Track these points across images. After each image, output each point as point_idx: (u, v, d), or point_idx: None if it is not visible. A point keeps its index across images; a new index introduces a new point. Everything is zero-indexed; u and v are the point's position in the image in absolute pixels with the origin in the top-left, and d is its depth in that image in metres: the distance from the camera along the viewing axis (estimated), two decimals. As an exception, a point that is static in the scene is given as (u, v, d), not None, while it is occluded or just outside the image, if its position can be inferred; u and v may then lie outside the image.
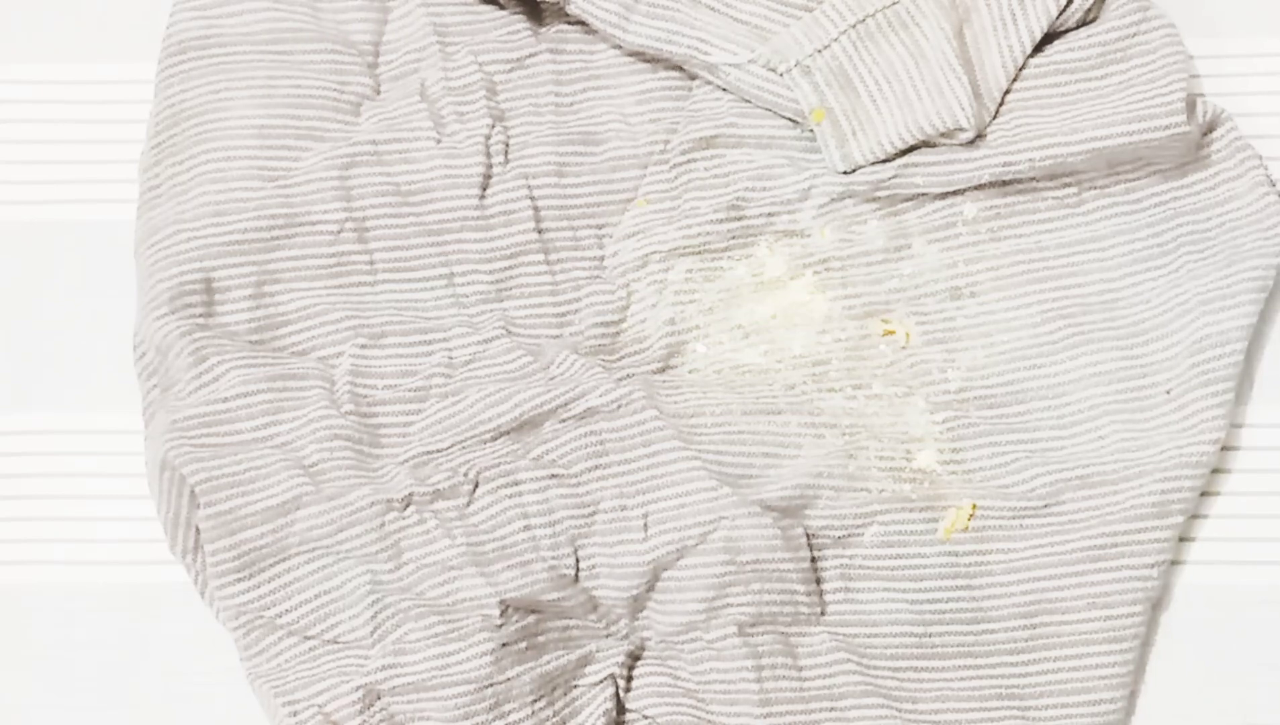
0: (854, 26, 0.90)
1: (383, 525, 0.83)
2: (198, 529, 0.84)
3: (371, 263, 0.89)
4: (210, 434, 0.85)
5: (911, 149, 0.89)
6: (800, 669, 0.83)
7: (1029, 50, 0.90)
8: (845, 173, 0.90)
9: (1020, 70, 0.90)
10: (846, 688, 0.83)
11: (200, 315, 0.87)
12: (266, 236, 0.88)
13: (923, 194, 0.90)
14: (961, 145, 0.89)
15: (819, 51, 0.89)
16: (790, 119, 0.91)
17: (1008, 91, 0.90)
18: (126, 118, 0.93)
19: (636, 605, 0.84)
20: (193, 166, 0.90)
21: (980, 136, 0.89)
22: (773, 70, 0.89)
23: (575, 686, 0.83)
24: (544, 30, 0.94)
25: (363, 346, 0.87)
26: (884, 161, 0.89)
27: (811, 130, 0.90)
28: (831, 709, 0.83)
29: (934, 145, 0.89)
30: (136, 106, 0.92)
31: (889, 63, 0.89)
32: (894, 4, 0.90)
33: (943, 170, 0.89)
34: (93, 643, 0.86)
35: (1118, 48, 0.90)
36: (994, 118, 0.90)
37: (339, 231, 0.89)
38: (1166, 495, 0.84)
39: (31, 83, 0.94)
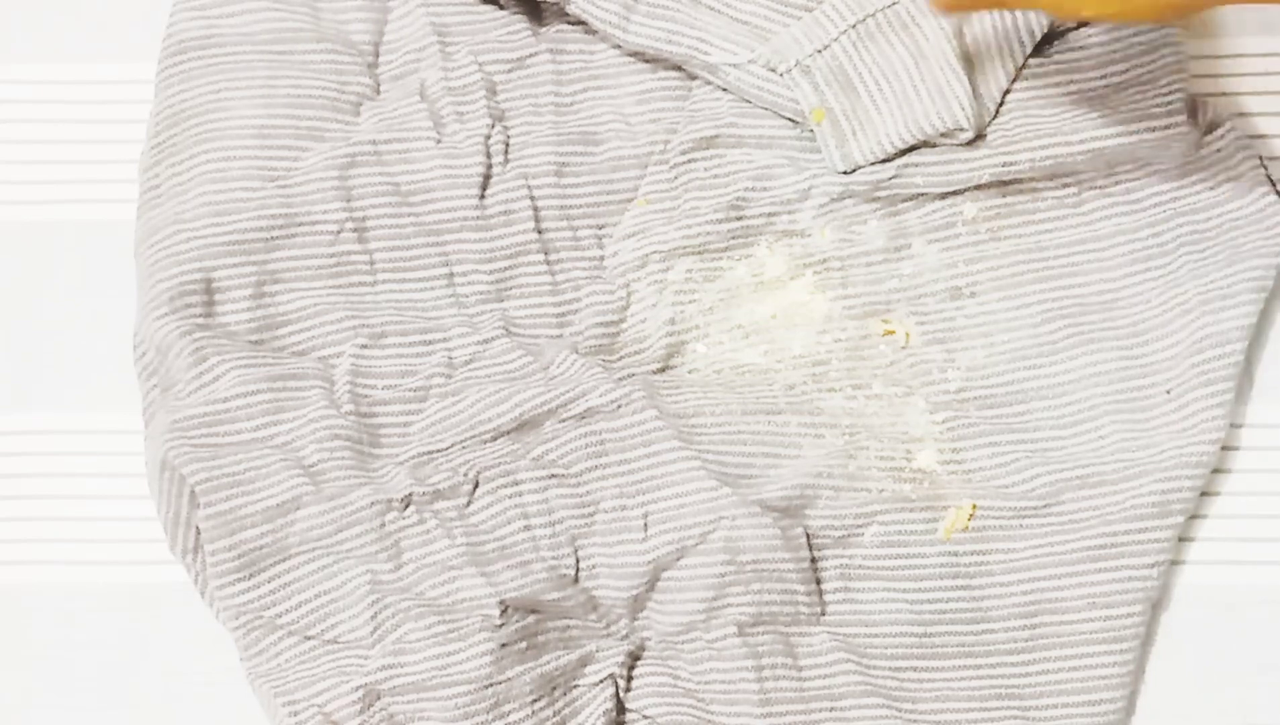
0: (854, 26, 0.90)
1: (383, 525, 0.83)
2: (198, 529, 0.84)
3: (371, 263, 0.89)
4: (210, 434, 0.85)
5: (911, 149, 0.89)
6: (800, 669, 0.83)
7: (1029, 50, 0.90)
8: (845, 173, 0.89)
9: (1020, 70, 0.90)
10: (846, 688, 0.83)
11: (200, 315, 0.87)
12: (266, 236, 0.88)
13: (923, 194, 0.90)
14: (961, 145, 0.89)
15: (819, 51, 0.89)
16: (790, 119, 0.91)
17: (1008, 91, 0.90)
18: (126, 118, 0.92)
19: (636, 605, 0.84)
20: (193, 166, 0.90)
21: (980, 137, 0.89)
22: (773, 70, 0.89)
23: (575, 686, 0.83)
24: (544, 30, 0.94)
25: (363, 346, 0.87)
26: (884, 161, 0.89)
27: (811, 130, 0.90)
28: (831, 709, 0.83)
29: (934, 145, 0.89)
30: (136, 106, 0.92)
31: (889, 63, 0.89)
32: (894, 4, 0.90)
33: (943, 170, 0.89)
34: (93, 643, 0.86)
35: (1117, 48, 0.90)
36: (994, 118, 0.89)
37: (339, 231, 0.89)
38: (1166, 495, 0.84)
39: (31, 83, 0.94)
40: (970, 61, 0.89)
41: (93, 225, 0.91)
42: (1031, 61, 0.90)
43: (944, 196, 0.90)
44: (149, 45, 0.92)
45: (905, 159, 0.89)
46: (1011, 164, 0.88)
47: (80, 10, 0.95)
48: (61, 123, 0.93)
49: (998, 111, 0.90)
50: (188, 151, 0.90)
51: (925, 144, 0.89)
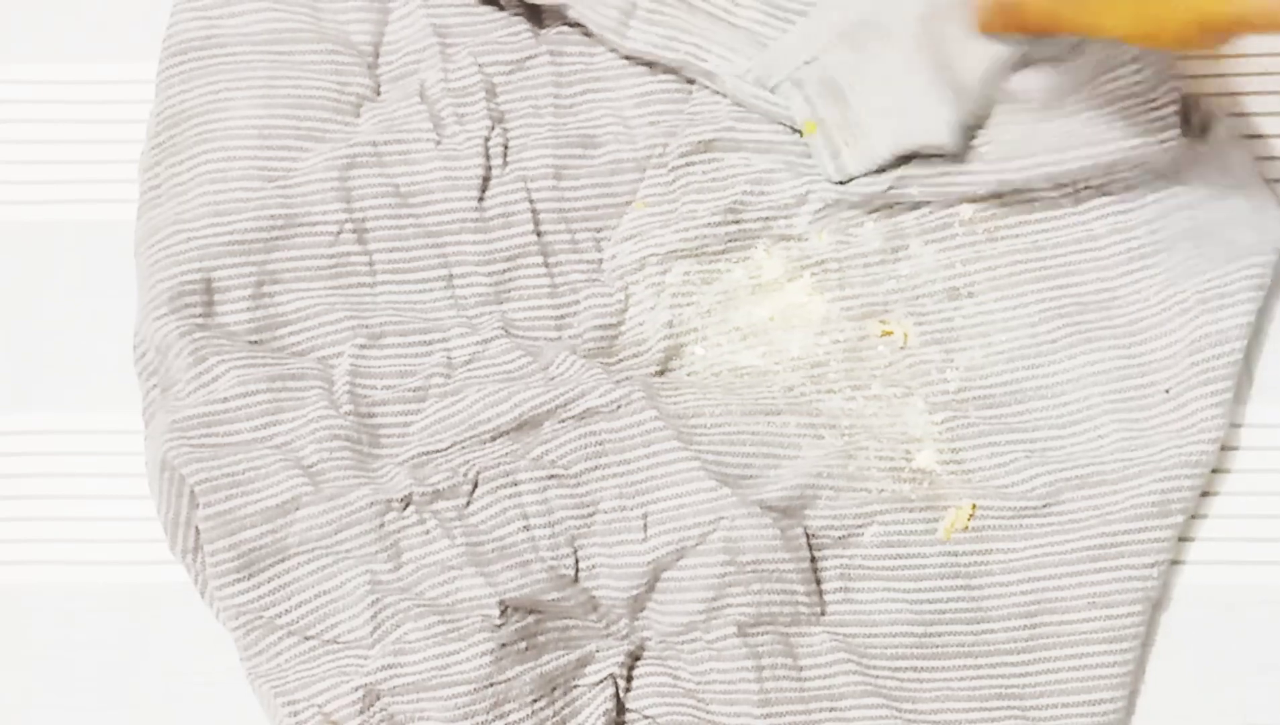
0: (844, 36, 0.90)
1: (382, 525, 0.83)
2: (198, 529, 0.84)
3: (371, 264, 0.89)
4: (210, 434, 0.85)
5: (906, 159, 0.89)
6: (800, 669, 0.83)
7: (1013, 63, 0.89)
8: (840, 183, 0.90)
9: (1005, 84, 0.90)
10: (846, 688, 0.83)
11: (200, 315, 0.87)
12: (266, 237, 0.88)
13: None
14: (956, 159, 0.89)
15: (808, 64, 0.89)
16: (787, 125, 0.91)
17: (1001, 105, 0.90)
18: (126, 118, 0.92)
19: (636, 605, 0.84)
20: (193, 167, 0.89)
21: (973, 150, 0.89)
22: (764, 86, 0.89)
23: (575, 686, 0.83)
24: (544, 32, 0.94)
25: (361, 347, 0.87)
26: (879, 172, 0.89)
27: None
28: (831, 709, 0.83)
29: (928, 157, 0.89)
30: (136, 106, 0.92)
31: (879, 73, 0.89)
32: (882, 13, 0.90)
33: (938, 182, 0.89)
34: (93, 643, 0.86)
35: (1107, 57, 0.90)
36: (982, 130, 0.89)
37: (338, 232, 0.89)
38: (1166, 495, 0.84)
39: (31, 83, 0.93)
40: (955, 74, 0.89)
41: (93, 225, 0.91)
42: (1025, 73, 0.90)
43: None
44: (149, 45, 0.92)
45: (900, 171, 0.89)
46: (1007, 181, 0.88)
47: (80, 10, 0.94)
48: (61, 123, 0.93)
49: (989, 124, 0.89)
50: (188, 152, 0.90)
51: (919, 155, 0.89)
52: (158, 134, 0.91)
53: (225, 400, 0.85)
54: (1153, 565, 0.83)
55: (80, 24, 0.94)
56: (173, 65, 0.92)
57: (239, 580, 0.83)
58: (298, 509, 0.83)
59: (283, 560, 0.83)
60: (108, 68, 0.94)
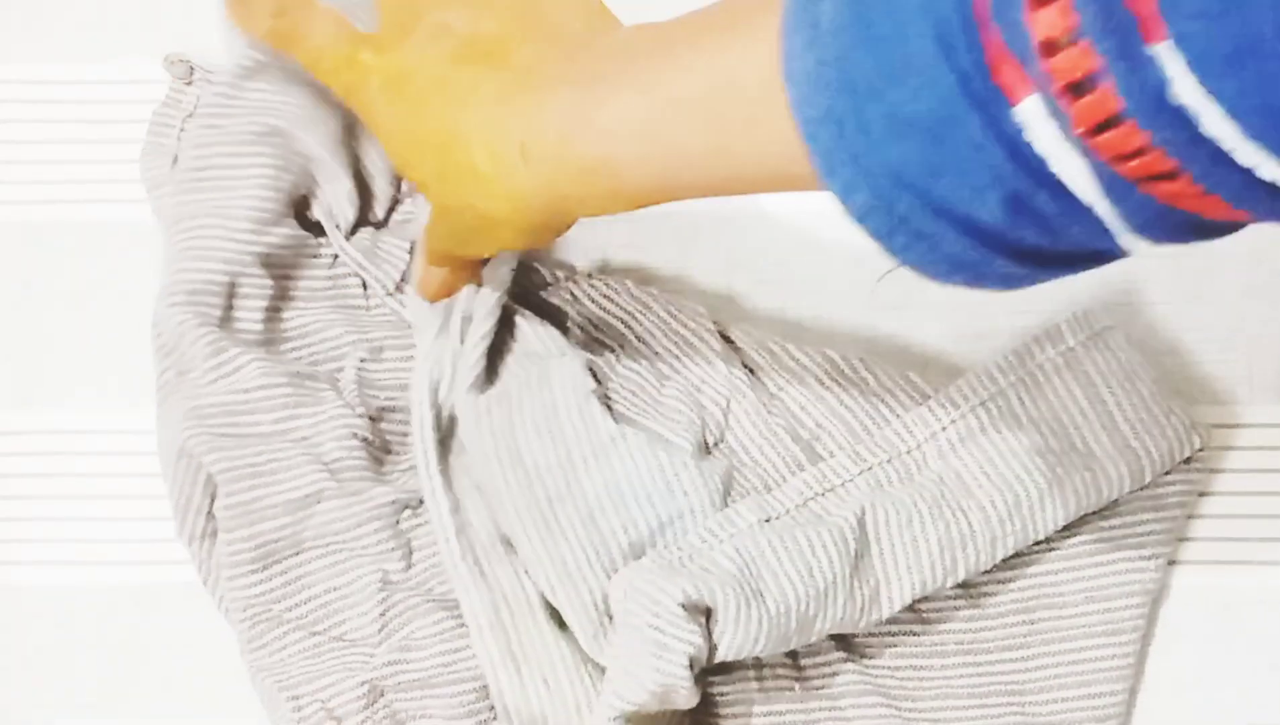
0: None
1: (397, 523, 0.83)
2: (208, 515, 0.83)
3: (365, 286, 0.89)
4: (232, 424, 0.83)
5: None
6: (800, 669, 0.84)
7: None
8: None
9: None
10: (845, 687, 0.83)
11: (218, 316, 0.85)
12: (290, 256, 0.87)
13: None
14: None
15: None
16: None
17: None
18: (126, 118, 0.91)
19: (638, 605, 0.84)
20: (248, 166, 0.86)
21: None
22: None
23: (578, 685, 0.83)
24: None
25: (363, 360, 0.86)
26: None
27: None
28: (831, 708, 0.83)
29: None
30: (136, 106, 0.90)
31: None
32: None
33: None
34: (93, 643, 0.85)
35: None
36: None
37: (332, 266, 0.88)
38: (1161, 488, 0.84)
39: (31, 83, 0.93)
40: None
41: (93, 225, 0.91)
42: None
43: None
44: (149, 45, 0.91)
45: None
46: None
47: (80, 10, 0.94)
48: (61, 123, 0.92)
49: None
50: (240, 150, 0.86)
51: None
52: (213, 112, 0.87)
53: (247, 391, 0.84)
54: (1150, 558, 0.84)
55: (80, 24, 0.93)
56: (249, 85, 0.87)
57: (254, 572, 0.82)
58: (319, 503, 0.83)
59: (297, 553, 0.83)
60: (108, 68, 0.93)
